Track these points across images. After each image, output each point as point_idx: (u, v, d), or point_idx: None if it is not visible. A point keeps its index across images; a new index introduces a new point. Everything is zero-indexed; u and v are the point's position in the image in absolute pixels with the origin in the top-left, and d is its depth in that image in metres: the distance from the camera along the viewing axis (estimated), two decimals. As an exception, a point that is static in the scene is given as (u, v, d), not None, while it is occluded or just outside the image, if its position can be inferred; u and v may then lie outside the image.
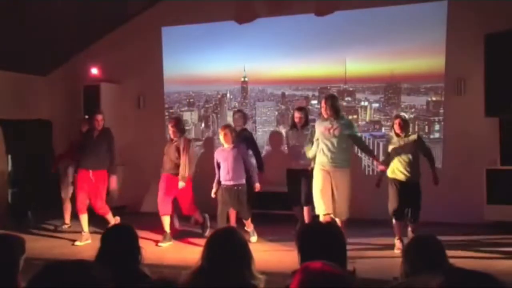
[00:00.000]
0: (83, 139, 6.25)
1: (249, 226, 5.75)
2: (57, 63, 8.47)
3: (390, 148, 5.30)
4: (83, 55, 8.41)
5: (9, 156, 7.63)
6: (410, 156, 5.20)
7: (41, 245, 5.74)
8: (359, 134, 5.54)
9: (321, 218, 5.13)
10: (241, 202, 5.59)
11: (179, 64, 8.14)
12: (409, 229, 5.31)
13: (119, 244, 2.50)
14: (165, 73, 8.16)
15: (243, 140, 6.07)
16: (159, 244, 5.74)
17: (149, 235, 5.99)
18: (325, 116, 5.21)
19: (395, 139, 5.30)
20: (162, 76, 8.16)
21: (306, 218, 5.79)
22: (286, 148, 6.45)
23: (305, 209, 5.82)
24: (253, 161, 6.28)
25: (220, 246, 2.22)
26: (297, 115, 6.06)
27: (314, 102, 7.55)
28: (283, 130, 7.49)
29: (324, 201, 5.14)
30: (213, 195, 5.66)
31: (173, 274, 2.35)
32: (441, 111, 6.89)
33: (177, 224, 6.39)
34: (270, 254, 5.18)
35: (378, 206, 5.74)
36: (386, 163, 5.38)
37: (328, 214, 5.14)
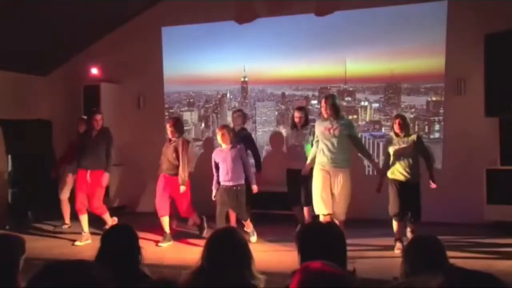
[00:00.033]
0: (82, 139, 6.25)
1: (249, 227, 5.74)
2: (57, 63, 8.47)
3: (390, 149, 5.30)
4: (83, 55, 8.41)
5: (9, 156, 7.62)
6: (409, 157, 5.20)
7: (41, 245, 5.74)
8: (359, 135, 5.53)
9: (321, 218, 5.13)
10: (240, 203, 5.58)
11: (179, 64, 8.14)
12: (408, 229, 5.30)
13: (119, 244, 2.50)
14: (165, 73, 8.16)
15: (242, 139, 6.06)
16: (159, 244, 5.74)
17: (149, 235, 5.99)
18: (325, 115, 5.21)
19: (395, 139, 5.30)
20: (162, 76, 8.16)
21: (306, 218, 5.80)
22: (285, 148, 6.43)
23: (305, 209, 5.82)
24: (252, 161, 6.28)
25: (220, 246, 2.22)
26: (297, 114, 6.06)
27: (314, 102, 7.55)
28: (283, 130, 7.49)
29: (324, 201, 5.14)
30: (214, 198, 5.66)
31: (173, 274, 2.35)
32: (441, 111, 6.89)
33: (174, 224, 6.38)
34: (270, 254, 5.18)
35: (378, 206, 5.74)
36: (386, 163, 5.38)
37: (328, 214, 5.14)
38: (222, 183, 5.60)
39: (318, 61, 7.36)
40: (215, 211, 5.60)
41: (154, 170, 6.05)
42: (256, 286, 2.17)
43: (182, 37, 8.02)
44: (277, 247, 5.53)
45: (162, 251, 5.56)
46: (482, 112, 6.03)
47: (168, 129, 5.87)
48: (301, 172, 5.70)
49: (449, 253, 2.36)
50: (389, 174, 5.30)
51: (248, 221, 5.73)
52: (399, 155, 5.21)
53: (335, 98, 5.32)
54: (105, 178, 6.03)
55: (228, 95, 8.08)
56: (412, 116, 6.87)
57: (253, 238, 5.73)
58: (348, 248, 2.18)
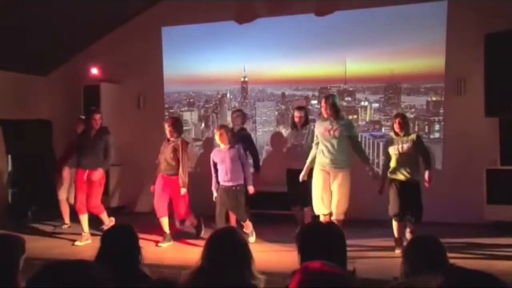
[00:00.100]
0: (80, 138, 6.24)
1: (248, 228, 5.71)
2: (57, 63, 8.47)
3: (390, 149, 5.29)
4: (83, 55, 8.41)
5: (9, 156, 7.63)
6: (409, 156, 5.20)
7: (41, 245, 5.74)
8: (359, 136, 5.50)
9: (321, 219, 5.13)
10: (239, 203, 5.57)
11: (179, 64, 8.14)
12: (408, 230, 5.29)
13: (119, 244, 2.50)
14: (165, 73, 8.16)
15: (241, 140, 6.05)
16: (159, 244, 5.74)
17: (149, 235, 5.99)
18: (325, 115, 5.20)
19: (395, 138, 5.30)
20: (162, 76, 8.16)
21: (306, 219, 5.79)
22: (285, 148, 6.41)
23: (305, 209, 5.82)
24: (250, 161, 6.27)
25: (220, 246, 2.22)
26: (296, 114, 6.06)
27: (314, 102, 7.55)
28: (283, 130, 7.50)
29: (324, 201, 5.14)
30: (215, 200, 5.65)
31: (173, 274, 2.35)
32: (441, 111, 6.89)
33: (177, 224, 6.38)
34: (270, 254, 5.18)
35: (378, 207, 5.73)
36: (386, 164, 5.38)
37: (329, 214, 5.14)
38: (221, 183, 5.60)
39: (318, 61, 7.36)
40: (214, 211, 5.60)
41: (154, 170, 6.05)
42: (256, 286, 2.17)
43: (182, 37, 8.02)
44: (277, 247, 5.53)
45: (162, 251, 5.56)
46: (482, 112, 6.03)
47: (167, 128, 5.86)
48: (300, 171, 5.70)
49: (449, 253, 2.36)
50: (389, 174, 5.30)
51: (247, 221, 5.71)
52: (399, 155, 5.21)
53: (335, 98, 5.30)
54: (98, 174, 5.93)
55: (228, 95, 8.08)
56: (412, 116, 6.87)
57: (252, 239, 5.72)
58: (348, 248, 2.18)
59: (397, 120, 5.27)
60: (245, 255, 2.23)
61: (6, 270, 2.10)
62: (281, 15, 7.33)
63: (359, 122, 7.25)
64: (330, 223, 3.61)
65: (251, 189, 5.67)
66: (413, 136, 5.29)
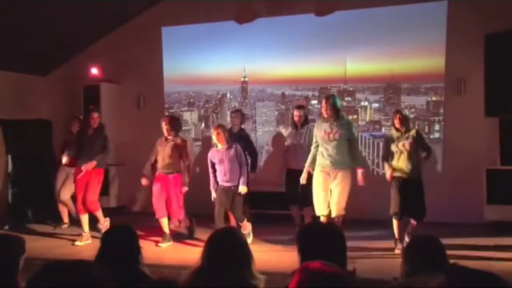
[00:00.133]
0: (78, 137, 6.22)
1: (245, 229, 5.66)
2: (57, 63, 8.47)
3: (393, 147, 5.29)
4: (83, 55, 8.41)
5: (9, 156, 7.63)
6: (410, 153, 5.20)
7: (41, 245, 5.74)
8: (359, 138, 5.46)
9: (322, 219, 5.12)
10: (237, 203, 5.55)
11: (179, 64, 8.14)
12: (407, 232, 5.29)
13: (119, 244, 2.50)
14: (165, 73, 8.16)
15: (239, 139, 6.03)
16: (159, 244, 5.74)
17: (149, 235, 5.99)
18: (325, 116, 5.19)
19: (395, 134, 5.30)
20: (162, 76, 8.16)
21: (306, 219, 5.79)
22: (285, 148, 6.40)
23: (305, 210, 5.81)
24: (249, 161, 6.25)
25: (220, 246, 2.21)
26: (296, 113, 6.05)
27: (314, 102, 7.55)
28: (283, 130, 7.49)
29: (324, 202, 5.13)
30: (214, 200, 5.65)
31: (173, 274, 2.35)
32: (441, 111, 6.89)
33: (171, 225, 6.33)
34: (270, 254, 5.18)
35: (378, 206, 5.74)
36: (385, 156, 5.39)
37: (329, 214, 5.13)
38: (220, 183, 5.58)
39: (318, 61, 7.36)
40: (213, 211, 5.60)
41: (153, 170, 6.04)
42: (256, 286, 2.17)
43: (182, 37, 8.02)
44: (277, 247, 5.52)
45: (162, 251, 5.56)
46: (482, 112, 6.03)
47: (164, 127, 5.84)
48: (300, 172, 5.69)
49: (449, 253, 2.35)
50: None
51: (245, 222, 5.67)
52: (400, 152, 5.22)
53: (335, 98, 5.28)
54: (90, 164, 5.87)
55: (228, 95, 8.08)
56: (412, 116, 6.87)
57: (249, 240, 5.70)
58: (348, 248, 2.18)
59: (397, 116, 5.30)
60: (245, 255, 2.23)
61: (6, 270, 2.10)
62: (281, 15, 7.33)
63: (359, 122, 7.25)
64: (330, 223, 3.61)
65: (243, 189, 5.56)
66: (413, 132, 5.31)
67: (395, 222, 5.24)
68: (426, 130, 6.95)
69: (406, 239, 5.14)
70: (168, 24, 7.99)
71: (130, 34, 8.12)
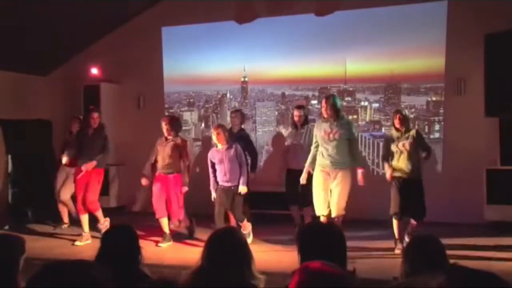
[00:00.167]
0: (78, 137, 6.22)
1: (245, 229, 5.65)
2: (57, 63, 8.47)
3: (393, 147, 5.29)
4: (83, 55, 8.41)
5: (9, 156, 7.63)
6: (410, 153, 5.20)
7: (41, 245, 5.74)
8: (358, 138, 5.45)
9: (322, 219, 5.12)
10: (237, 203, 5.55)
11: (179, 64, 8.14)
12: (407, 232, 5.29)
13: (119, 244, 2.50)
14: (165, 73, 8.16)
15: (240, 139, 6.03)
16: (159, 244, 5.74)
17: (149, 235, 5.99)
18: (325, 115, 5.19)
19: (395, 134, 5.30)
20: (162, 76, 8.16)
21: (306, 219, 5.79)
22: (285, 148, 6.39)
23: (305, 209, 5.81)
24: (249, 161, 6.24)
25: (220, 246, 2.21)
26: (296, 113, 6.05)
27: (314, 102, 7.55)
28: (283, 130, 7.49)
29: (324, 202, 5.13)
30: (214, 200, 5.64)
31: (173, 274, 2.35)
32: (441, 111, 6.89)
33: (171, 225, 6.32)
34: (269, 254, 5.18)
35: (378, 206, 5.74)
36: (385, 156, 5.39)
37: (329, 214, 5.13)
38: (220, 183, 5.58)
39: (318, 61, 7.36)
40: (213, 211, 5.60)
41: (153, 170, 6.04)
42: (256, 286, 2.17)
43: (182, 37, 8.02)
44: (277, 247, 5.53)
45: (162, 251, 5.56)
46: (482, 112, 6.03)
47: (164, 127, 5.84)
48: (300, 171, 5.69)
49: (449, 253, 2.35)
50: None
51: (245, 222, 5.67)
52: (400, 152, 5.22)
53: (335, 98, 5.28)
54: (90, 164, 5.86)
55: (228, 95, 8.08)
56: (412, 116, 6.87)
57: (249, 240, 5.69)
58: (348, 248, 2.18)
59: (397, 116, 5.30)
60: (245, 255, 2.23)
61: (6, 270, 2.10)
62: (281, 15, 7.33)
63: (359, 122, 7.25)
64: (330, 223, 3.61)
65: (243, 189, 5.56)
66: (413, 132, 5.31)
67: (395, 222, 5.24)
68: (426, 130, 6.95)
69: (406, 239, 5.14)
70: (168, 24, 7.99)
71: (130, 34, 8.12)
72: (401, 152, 5.23)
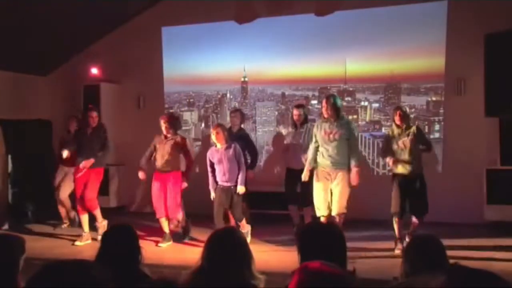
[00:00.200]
0: (76, 136, 6.21)
1: (243, 228, 5.63)
2: (57, 63, 8.48)
3: (394, 144, 5.28)
4: (83, 55, 8.41)
5: (9, 156, 7.63)
6: (411, 149, 5.19)
7: (41, 245, 5.74)
8: (358, 138, 5.43)
9: (322, 219, 5.12)
10: (236, 203, 5.54)
11: (179, 64, 8.14)
12: (408, 232, 5.29)
13: (119, 244, 2.50)
14: (165, 73, 8.16)
15: (239, 138, 6.02)
16: (159, 244, 5.73)
17: (149, 235, 5.99)
18: (326, 115, 5.19)
19: (396, 130, 5.29)
20: (162, 76, 8.16)
21: (306, 219, 5.78)
22: (284, 147, 6.38)
23: (305, 209, 5.81)
24: (249, 160, 6.23)
25: (220, 246, 2.21)
26: (295, 112, 6.04)
27: (314, 102, 7.55)
28: (283, 130, 7.49)
29: (325, 203, 5.13)
30: (213, 199, 5.64)
31: (173, 274, 2.35)
32: (441, 111, 6.89)
33: (171, 225, 6.32)
34: (269, 254, 5.18)
35: (378, 206, 5.74)
36: (385, 149, 5.38)
37: (329, 215, 5.13)
38: (219, 183, 5.57)
39: (318, 61, 7.36)
40: (213, 211, 5.59)
41: (153, 170, 6.04)
42: (256, 286, 2.17)
43: (182, 37, 8.02)
44: (277, 247, 5.53)
45: (162, 251, 5.56)
46: (482, 112, 6.03)
47: (163, 125, 5.82)
48: (299, 171, 5.69)
49: (449, 253, 2.35)
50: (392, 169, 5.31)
51: (243, 221, 5.65)
52: (401, 149, 5.21)
53: (336, 98, 5.28)
54: (88, 162, 5.87)
55: (228, 95, 8.08)
56: (412, 116, 6.86)
57: (247, 240, 5.67)
58: (348, 248, 2.18)
59: (397, 113, 5.29)
60: (245, 255, 2.22)
61: (6, 270, 2.10)
62: (281, 15, 7.33)
63: (359, 122, 7.25)
64: (330, 223, 3.61)
65: (241, 188, 5.53)
66: (414, 129, 5.30)
67: (395, 221, 5.24)
68: (426, 130, 6.92)
69: (407, 239, 5.14)
70: (168, 24, 7.99)
71: (130, 34, 8.12)
72: (402, 150, 5.22)
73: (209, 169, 5.65)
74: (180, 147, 5.85)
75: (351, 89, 7.38)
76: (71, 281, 1.35)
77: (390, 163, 5.25)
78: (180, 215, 5.94)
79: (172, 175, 5.81)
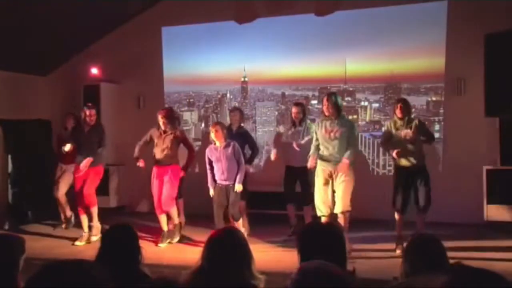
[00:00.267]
0: (74, 134, 6.20)
1: (240, 227, 5.56)
2: (57, 63, 8.47)
3: (395, 135, 5.24)
4: (83, 55, 8.40)
5: (9, 156, 7.63)
6: (413, 142, 5.16)
7: (41, 245, 5.74)
8: (358, 138, 5.41)
9: (322, 219, 5.12)
10: (234, 201, 5.51)
11: (179, 64, 8.14)
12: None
13: (119, 244, 2.50)
14: (165, 73, 8.16)
15: (240, 136, 6.01)
16: (159, 244, 5.73)
17: (149, 235, 5.99)
18: (326, 114, 5.19)
19: (398, 122, 5.26)
20: (162, 76, 8.16)
21: (306, 218, 5.78)
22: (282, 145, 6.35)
23: (305, 209, 5.81)
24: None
25: (220, 246, 2.21)
26: (294, 110, 6.02)
27: (314, 102, 7.55)
28: (280, 127, 7.46)
29: (325, 202, 5.13)
30: (212, 196, 5.63)
31: (173, 274, 2.35)
32: (441, 111, 6.89)
33: (182, 219, 6.31)
34: (269, 254, 5.18)
35: (378, 206, 5.74)
36: (386, 141, 5.36)
37: (330, 215, 5.13)
38: (218, 181, 5.55)
39: (318, 61, 7.36)
40: (213, 211, 5.58)
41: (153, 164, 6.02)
42: (256, 286, 2.17)
43: (182, 37, 8.02)
44: (277, 247, 5.53)
45: (162, 251, 5.56)
46: (482, 112, 6.02)
47: (160, 120, 5.81)
48: (298, 169, 5.69)
49: (450, 253, 2.36)
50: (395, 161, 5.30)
51: (240, 221, 5.62)
52: (403, 143, 5.18)
53: (337, 96, 5.28)
54: (87, 161, 5.86)
55: (228, 95, 8.08)
56: (412, 116, 6.85)
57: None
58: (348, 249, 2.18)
59: (398, 106, 5.27)
60: (245, 255, 2.22)
61: (6, 270, 2.10)
62: (281, 15, 7.32)
63: (359, 122, 7.25)
64: (330, 223, 3.61)
65: (238, 187, 5.49)
66: (416, 122, 5.28)
67: (397, 217, 5.22)
68: (426, 130, 6.94)
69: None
70: (168, 24, 7.98)
71: (130, 34, 8.12)
72: (405, 141, 5.17)
73: (207, 166, 5.64)
74: (179, 141, 5.87)
75: (351, 89, 7.38)
76: (71, 281, 1.35)
77: (394, 155, 5.20)
78: (174, 210, 5.87)
79: (171, 169, 5.81)
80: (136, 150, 5.95)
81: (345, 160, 5.03)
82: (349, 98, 7.38)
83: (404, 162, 5.21)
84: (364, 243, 5.45)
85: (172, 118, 5.95)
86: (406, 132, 5.18)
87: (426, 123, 6.92)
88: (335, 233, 2.24)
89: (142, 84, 8.19)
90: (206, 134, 8.03)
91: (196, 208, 6.24)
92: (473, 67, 6.31)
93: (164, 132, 5.84)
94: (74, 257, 1.97)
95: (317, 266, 1.51)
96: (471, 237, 5.63)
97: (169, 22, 7.94)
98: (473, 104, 6.31)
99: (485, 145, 6.39)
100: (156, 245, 5.72)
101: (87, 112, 6.01)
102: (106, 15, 7.72)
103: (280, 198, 6.27)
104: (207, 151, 5.65)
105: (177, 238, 5.91)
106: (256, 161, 6.83)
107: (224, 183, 5.52)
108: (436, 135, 6.91)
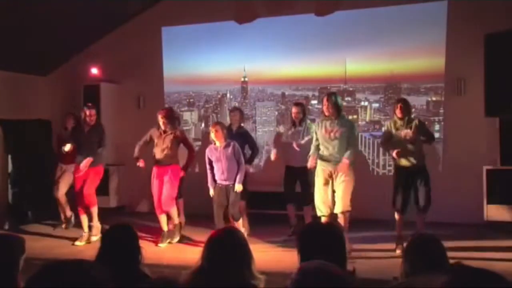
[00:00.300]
0: (73, 134, 6.20)
1: (239, 227, 5.58)
2: (57, 63, 8.47)
3: (395, 134, 5.24)
4: (83, 55, 8.41)
5: (9, 156, 7.63)
6: (413, 142, 5.16)
7: (41, 245, 5.74)
8: (358, 139, 5.41)
9: (322, 219, 5.12)
10: (234, 201, 5.52)
11: (179, 64, 8.14)
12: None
13: (119, 244, 2.50)
14: (165, 73, 8.16)
15: (239, 137, 6.01)
16: (159, 244, 5.73)
17: (149, 235, 5.99)
18: (327, 114, 5.19)
19: (398, 122, 5.25)
20: (162, 76, 8.16)
21: (306, 218, 5.78)
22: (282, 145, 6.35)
23: (305, 209, 5.81)
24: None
25: (220, 246, 2.21)
26: (294, 110, 6.02)
27: (314, 102, 7.55)
28: (281, 127, 7.46)
29: (325, 202, 5.13)
30: (212, 196, 5.63)
31: (173, 274, 2.35)
32: (441, 111, 6.89)
33: (182, 219, 6.32)
34: (269, 254, 5.18)
35: (378, 206, 5.74)
36: (386, 141, 5.36)
37: (330, 215, 5.13)
38: (218, 181, 5.55)
39: (318, 61, 7.36)
40: (213, 211, 5.58)
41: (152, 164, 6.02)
42: (256, 286, 2.17)
43: (182, 37, 8.02)
44: (277, 247, 5.53)
45: (162, 251, 5.56)
46: (482, 112, 6.02)
47: (160, 120, 5.81)
48: (298, 169, 5.69)
49: (450, 253, 2.35)
50: (395, 161, 5.30)
51: (240, 221, 5.63)
52: (403, 143, 5.18)
53: (337, 96, 5.28)
54: (87, 161, 5.85)
55: (228, 95, 8.08)
56: (412, 116, 6.85)
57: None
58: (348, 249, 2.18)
59: (398, 106, 5.27)
60: (245, 255, 2.22)
61: (6, 270, 2.10)
62: (281, 15, 7.33)
63: (359, 122, 7.25)
64: (330, 223, 3.61)
65: (238, 187, 5.48)
66: (416, 122, 5.28)
67: (397, 217, 5.22)
68: (426, 130, 6.94)
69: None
70: (168, 24, 7.99)
71: (130, 34, 8.12)
72: (404, 142, 5.18)
73: (207, 166, 5.64)
74: (179, 141, 5.87)
75: (351, 89, 7.38)
76: (71, 281, 1.35)
77: (394, 155, 5.20)
78: (174, 210, 5.87)
79: (171, 169, 5.81)
80: (136, 150, 5.95)
81: (345, 160, 5.04)
82: (349, 98, 7.38)
83: (404, 162, 5.21)
84: (364, 243, 5.45)
85: (172, 118, 5.95)
86: (406, 132, 5.17)
87: (426, 123, 6.93)
88: (335, 233, 2.24)
89: (142, 84, 8.19)
90: (206, 134, 8.04)
91: (196, 208, 6.24)
92: (473, 67, 6.31)
93: (164, 132, 5.83)
94: (74, 257, 1.97)
95: (317, 266, 1.51)
96: (471, 237, 5.63)
97: (169, 22, 7.94)
98: (473, 104, 6.31)
99: (485, 145, 6.39)
100: (156, 245, 5.73)
101: (87, 112, 6.01)
102: (106, 15, 7.72)
103: (280, 198, 6.27)
104: (207, 151, 5.65)
105: (177, 238, 5.91)
106: (256, 161, 6.83)
107: (224, 183, 5.52)
108: (436, 135, 6.91)
